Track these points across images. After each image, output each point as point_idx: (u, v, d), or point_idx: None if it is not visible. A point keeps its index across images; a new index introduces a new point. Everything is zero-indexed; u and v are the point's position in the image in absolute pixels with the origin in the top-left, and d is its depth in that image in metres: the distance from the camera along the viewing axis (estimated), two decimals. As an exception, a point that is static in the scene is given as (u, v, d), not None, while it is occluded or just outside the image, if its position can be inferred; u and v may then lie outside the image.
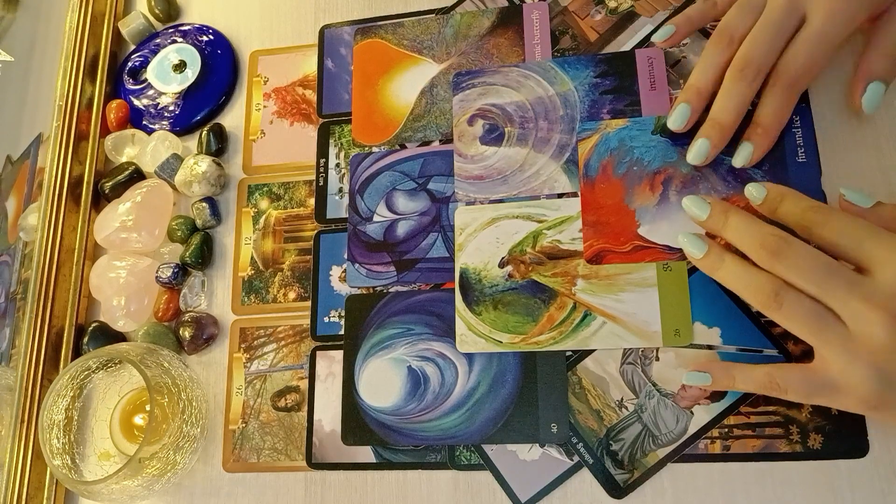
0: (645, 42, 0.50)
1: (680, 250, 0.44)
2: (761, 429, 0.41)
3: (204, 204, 0.53)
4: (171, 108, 0.57)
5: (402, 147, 0.52)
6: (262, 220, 0.53)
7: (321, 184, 0.52)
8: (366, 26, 0.55)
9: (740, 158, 0.43)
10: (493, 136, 0.50)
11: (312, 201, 0.52)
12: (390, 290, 0.49)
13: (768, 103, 0.42)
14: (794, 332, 0.36)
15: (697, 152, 0.43)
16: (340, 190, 0.52)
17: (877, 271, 0.34)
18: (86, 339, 0.52)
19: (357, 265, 0.50)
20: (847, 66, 0.46)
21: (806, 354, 0.41)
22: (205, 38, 0.58)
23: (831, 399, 0.36)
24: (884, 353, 0.33)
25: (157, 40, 0.59)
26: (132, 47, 0.61)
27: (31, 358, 0.51)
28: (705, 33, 0.49)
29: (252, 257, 0.52)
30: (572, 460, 0.43)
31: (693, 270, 0.44)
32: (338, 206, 0.51)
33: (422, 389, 0.46)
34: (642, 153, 0.47)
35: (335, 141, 0.53)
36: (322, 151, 0.53)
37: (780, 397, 0.38)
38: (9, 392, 0.52)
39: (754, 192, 0.40)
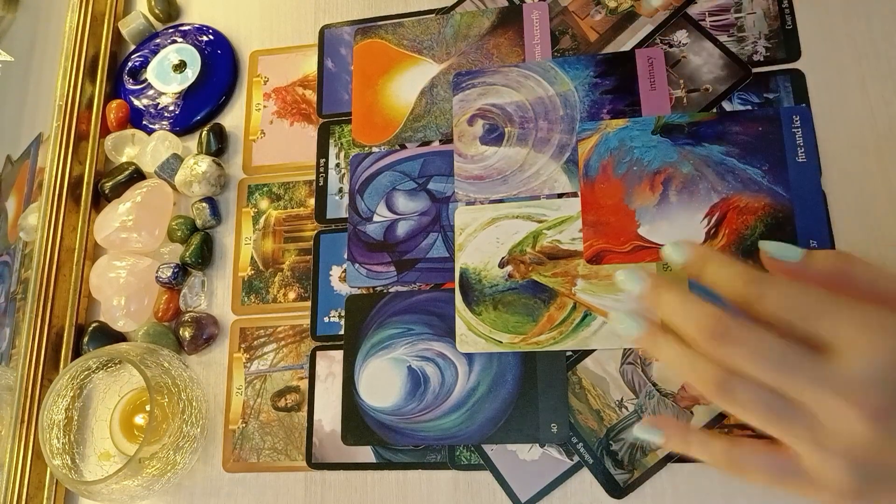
0: (645, 42, 0.50)
1: (680, 250, 0.44)
2: (761, 429, 0.41)
3: (204, 204, 0.53)
4: (171, 108, 0.57)
5: (402, 147, 0.52)
6: (262, 220, 0.53)
7: (321, 184, 0.52)
8: (366, 26, 0.55)
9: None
10: (493, 136, 0.50)
11: (312, 201, 0.52)
12: (390, 290, 0.49)
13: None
14: (749, 423, 0.31)
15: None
16: (340, 190, 0.52)
17: (844, 354, 0.28)
18: (86, 339, 0.52)
19: (357, 265, 0.50)
20: (846, 67, 0.46)
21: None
22: (205, 38, 0.58)
23: (801, 490, 0.31)
24: (863, 448, 0.28)
25: (157, 40, 0.59)
26: (132, 47, 0.60)
27: (31, 358, 0.51)
28: (703, 31, 0.49)
29: (252, 257, 0.52)
30: (572, 460, 0.43)
31: (693, 270, 0.44)
32: (338, 206, 0.51)
33: (422, 389, 0.46)
34: (642, 153, 0.47)
35: (335, 141, 0.53)
36: (322, 151, 0.53)
37: (736, 476, 0.32)
38: (9, 392, 0.52)
39: (672, 255, 0.33)
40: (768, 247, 0.32)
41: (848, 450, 0.29)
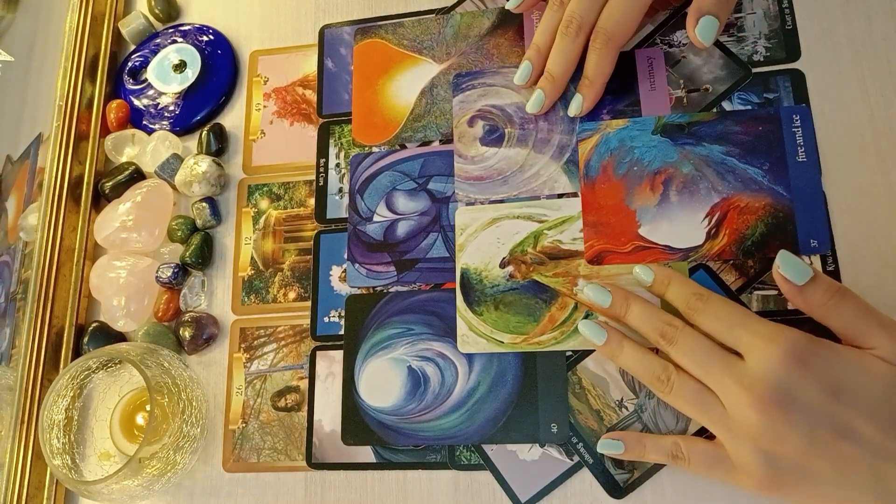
0: (645, 42, 0.50)
1: (681, 250, 0.44)
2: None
3: (204, 204, 0.53)
4: (171, 108, 0.57)
5: (402, 147, 0.52)
6: (262, 220, 0.53)
7: (321, 184, 0.52)
8: (366, 26, 0.55)
9: (573, 108, 0.47)
10: (494, 136, 0.50)
11: (312, 201, 0.52)
12: (390, 290, 0.49)
13: (591, 59, 0.46)
14: (684, 413, 0.40)
15: (534, 103, 0.48)
16: (340, 190, 0.52)
17: (746, 356, 0.36)
18: (86, 339, 0.52)
19: (357, 265, 0.50)
20: (846, 67, 0.46)
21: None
22: (205, 38, 0.58)
23: (730, 477, 0.38)
24: (760, 435, 0.35)
25: (157, 40, 0.59)
26: (132, 47, 0.60)
27: (31, 358, 0.51)
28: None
29: (252, 257, 0.52)
30: (572, 460, 0.43)
31: (694, 270, 0.44)
32: (338, 206, 0.51)
33: (422, 389, 0.46)
34: (642, 153, 0.47)
35: (335, 141, 0.53)
36: (322, 151, 0.53)
37: (683, 468, 0.40)
38: (9, 392, 0.52)
39: (642, 275, 0.42)
40: (780, 259, 0.37)
41: (748, 434, 0.36)
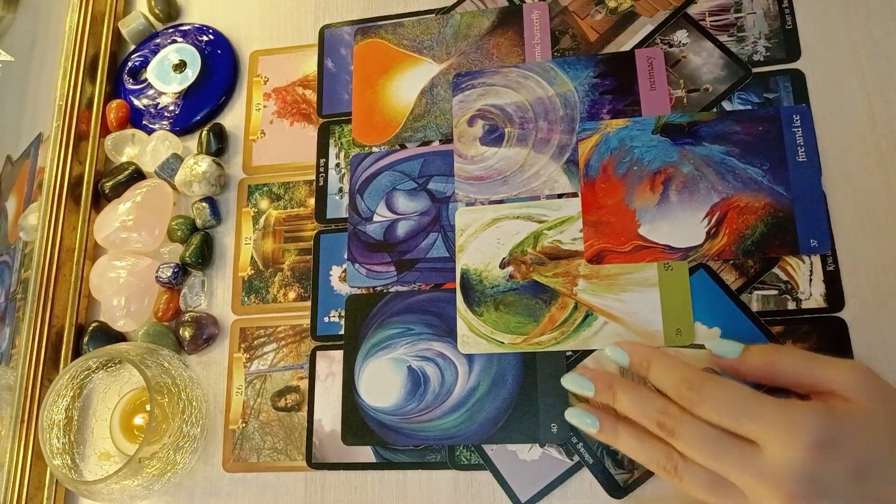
0: (645, 42, 0.50)
1: (681, 250, 0.44)
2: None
3: (204, 204, 0.53)
4: (171, 108, 0.57)
5: (402, 147, 0.52)
6: (262, 220, 0.53)
7: (321, 184, 0.52)
8: (366, 26, 0.55)
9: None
10: (493, 136, 0.50)
11: (312, 201, 0.52)
12: (390, 290, 0.49)
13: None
14: (699, 499, 0.36)
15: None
16: (340, 190, 0.52)
17: (764, 447, 0.34)
18: (86, 339, 0.52)
19: (357, 265, 0.50)
20: (846, 67, 0.46)
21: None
22: (205, 38, 0.58)
23: None
24: None
25: (157, 40, 0.59)
26: (132, 47, 0.60)
27: (31, 358, 0.51)
28: (703, 31, 0.49)
29: (252, 257, 0.52)
30: (572, 460, 0.43)
31: (694, 269, 0.44)
32: (338, 206, 0.51)
33: (422, 389, 0.46)
34: (642, 153, 0.47)
35: (335, 141, 0.53)
36: (322, 151, 0.53)
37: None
38: (9, 392, 0.52)
39: (616, 357, 0.40)
40: (710, 345, 0.39)
41: None
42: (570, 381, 0.40)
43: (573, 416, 0.40)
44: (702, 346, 0.43)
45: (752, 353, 0.38)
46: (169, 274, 0.51)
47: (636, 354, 0.40)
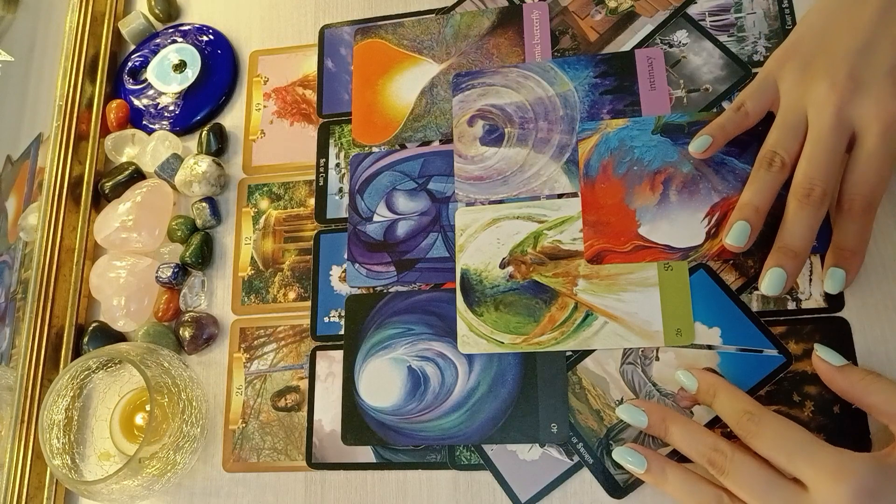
0: (645, 42, 0.50)
1: (681, 249, 0.44)
2: (761, 429, 0.41)
3: (204, 204, 0.53)
4: (171, 108, 0.57)
5: (402, 147, 0.52)
6: (262, 220, 0.53)
7: (321, 184, 0.52)
8: (366, 26, 0.55)
9: (834, 285, 0.41)
10: (493, 136, 0.50)
11: (312, 201, 0.52)
12: (390, 290, 0.49)
13: (851, 229, 0.40)
14: None
15: (774, 284, 0.40)
16: (340, 190, 0.52)
17: (812, 491, 0.35)
18: (86, 339, 0.52)
19: (357, 265, 0.50)
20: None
21: (807, 353, 0.41)
22: (205, 38, 0.58)
23: None
24: None
25: (157, 40, 0.59)
26: (132, 47, 0.60)
27: (31, 358, 0.51)
28: (703, 31, 0.49)
29: (252, 257, 0.52)
30: (572, 460, 0.43)
31: (694, 269, 0.44)
32: (338, 206, 0.51)
33: (422, 389, 0.46)
34: (642, 153, 0.47)
35: (335, 141, 0.53)
36: (322, 151, 0.53)
37: None
38: (9, 392, 0.52)
39: (685, 381, 0.41)
40: (820, 350, 0.40)
41: None
42: (624, 412, 0.41)
43: (621, 454, 0.41)
44: (703, 347, 0.43)
45: (853, 370, 0.39)
46: (169, 274, 0.51)
47: (704, 381, 0.40)
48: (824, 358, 0.39)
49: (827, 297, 0.43)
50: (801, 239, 0.40)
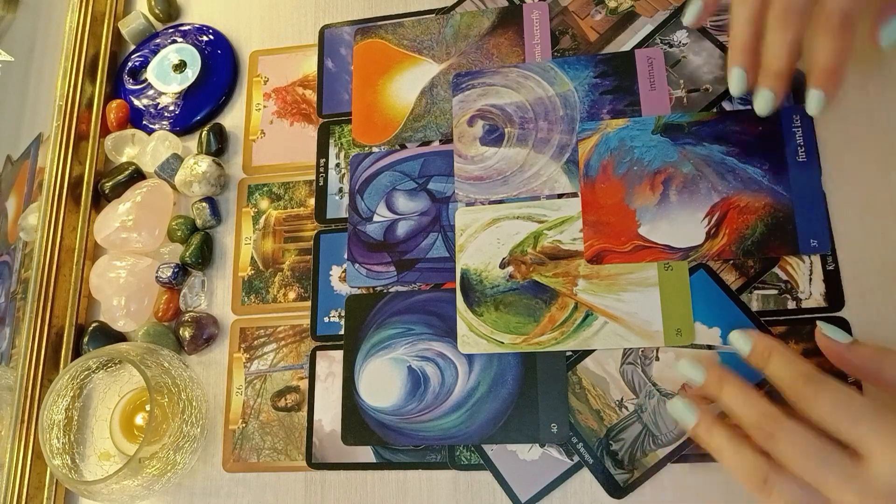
0: (645, 42, 0.50)
1: (681, 249, 0.44)
2: (761, 429, 0.41)
3: (204, 204, 0.53)
4: (171, 108, 0.57)
5: (402, 147, 0.52)
6: (262, 220, 0.53)
7: (321, 184, 0.52)
8: (366, 26, 0.55)
9: (814, 106, 0.40)
10: (493, 136, 0.50)
11: (312, 201, 0.52)
12: (390, 290, 0.49)
13: (830, 46, 0.39)
14: None
15: (765, 105, 0.42)
16: (340, 190, 0.52)
17: (873, 461, 0.32)
18: (86, 339, 0.52)
19: (357, 265, 0.50)
20: (846, 67, 0.46)
21: (808, 353, 0.41)
22: (205, 38, 0.58)
23: None
24: None
25: (157, 40, 0.59)
26: (132, 47, 0.60)
27: (31, 358, 0.51)
28: (704, 31, 0.49)
29: (252, 257, 0.52)
30: (572, 460, 0.43)
31: (694, 269, 0.44)
32: (338, 206, 0.51)
33: (422, 389, 0.46)
34: (642, 153, 0.47)
35: (335, 141, 0.53)
36: (322, 151, 0.53)
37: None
38: (9, 392, 0.52)
39: (740, 343, 0.39)
40: (824, 328, 0.38)
41: None
42: (685, 365, 0.39)
43: (677, 404, 0.39)
44: (702, 347, 0.43)
45: (862, 345, 0.37)
46: (169, 274, 0.51)
47: (760, 344, 0.38)
48: (830, 336, 0.38)
49: (827, 296, 0.43)
50: (782, 59, 0.40)
